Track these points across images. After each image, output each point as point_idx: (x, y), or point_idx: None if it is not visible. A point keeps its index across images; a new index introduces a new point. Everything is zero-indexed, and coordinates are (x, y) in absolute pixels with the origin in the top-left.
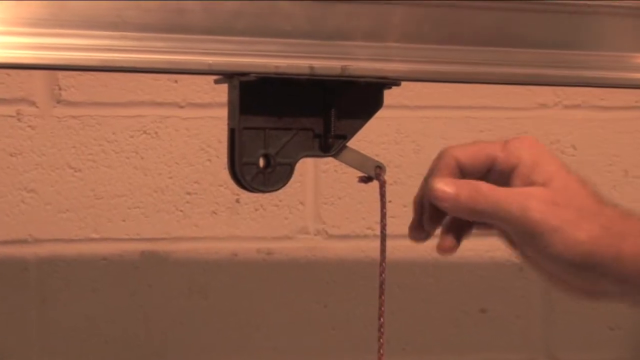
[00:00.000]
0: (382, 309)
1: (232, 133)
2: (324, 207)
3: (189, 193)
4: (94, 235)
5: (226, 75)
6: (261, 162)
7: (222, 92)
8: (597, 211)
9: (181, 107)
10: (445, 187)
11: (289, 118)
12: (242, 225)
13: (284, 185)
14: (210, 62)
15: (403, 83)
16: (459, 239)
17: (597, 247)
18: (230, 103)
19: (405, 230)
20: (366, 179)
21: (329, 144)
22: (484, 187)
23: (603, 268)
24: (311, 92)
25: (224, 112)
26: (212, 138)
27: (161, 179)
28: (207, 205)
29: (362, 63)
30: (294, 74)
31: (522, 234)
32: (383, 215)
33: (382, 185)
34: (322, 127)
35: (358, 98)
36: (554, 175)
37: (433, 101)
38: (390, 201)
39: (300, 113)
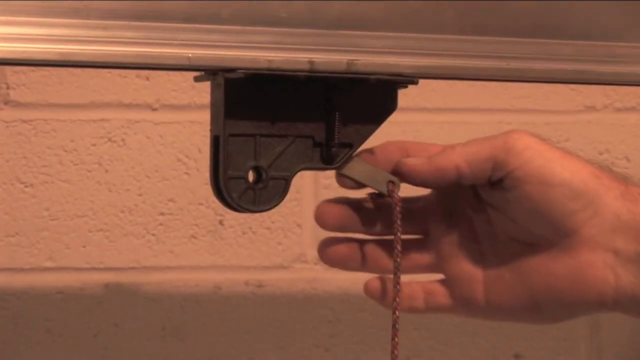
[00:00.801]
0: (395, 352)
1: (215, 141)
2: (325, 231)
3: (162, 213)
4: (49, 264)
5: (208, 72)
6: (250, 176)
7: (203, 92)
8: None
9: (154, 109)
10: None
11: (284, 123)
12: (227, 252)
13: (277, 203)
14: (190, 55)
15: (421, 81)
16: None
17: (591, 181)
18: (213, 105)
19: None
20: (377, 197)
21: (332, 154)
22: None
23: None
24: (311, 92)
25: (205, 116)
26: (191, 147)
27: (129, 196)
28: (185, 228)
29: (372, 57)
30: (291, 70)
31: (500, 164)
32: (397, 240)
33: (396, 204)
34: (324, 134)
35: (367, 99)
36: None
37: (458, 103)
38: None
39: (297, 117)
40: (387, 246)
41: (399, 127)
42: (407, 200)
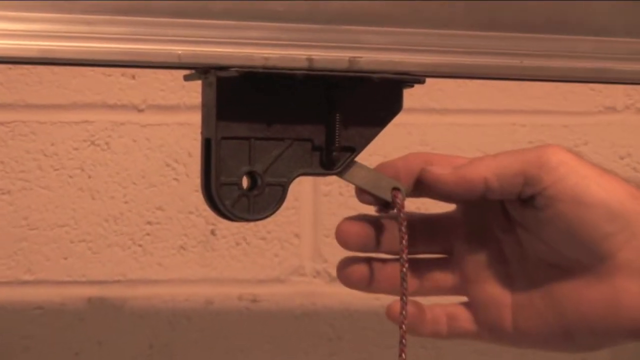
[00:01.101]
0: None
1: (207, 144)
2: (325, 241)
3: (150, 223)
4: (27, 277)
5: (200, 70)
6: (245, 182)
7: (193, 92)
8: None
9: (140, 110)
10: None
11: (281, 125)
12: (219, 265)
13: (274, 211)
14: (179, 52)
15: (429, 80)
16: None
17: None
18: (204, 106)
19: None
20: (383, 207)
21: (333, 158)
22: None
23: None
24: (310, 92)
25: (196, 118)
26: (181, 151)
27: (114, 204)
28: (174, 238)
29: (375, 54)
30: (288, 69)
31: (532, 180)
32: (402, 250)
33: (400, 212)
34: (324, 137)
35: (370, 99)
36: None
37: (468, 104)
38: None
39: (295, 119)
40: (412, 265)
41: (405, 129)
42: (430, 217)
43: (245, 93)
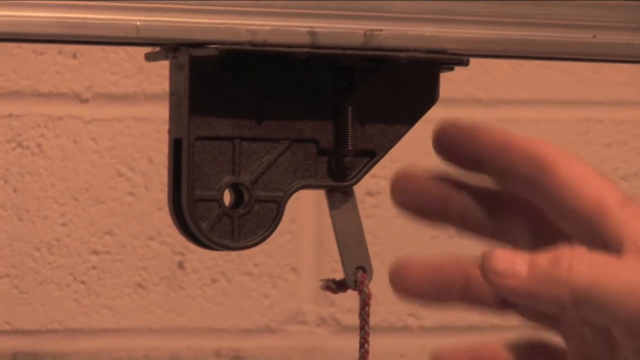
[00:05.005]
0: None
1: (176, 147)
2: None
3: (96, 252)
4: None
5: (166, 47)
6: (227, 198)
7: (156, 76)
8: None
9: (84, 100)
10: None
11: (275, 121)
12: (190, 309)
13: (265, 237)
14: (138, 23)
15: (473, 61)
16: None
17: None
18: (173, 95)
19: (474, 320)
20: (338, 285)
21: (345, 165)
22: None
23: None
24: (314, 77)
25: (160, 111)
26: (138, 155)
27: (48, 228)
28: (129, 273)
29: (400, 25)
30: (284, 45)
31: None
32: (363, 340)
33: (365, 303)
34: (333, 137)
35: (395, 87)
36: None
37: (526, 92)
38: None
39: (295, 113)
40: None
41: None
42: None
43: (227, 79)
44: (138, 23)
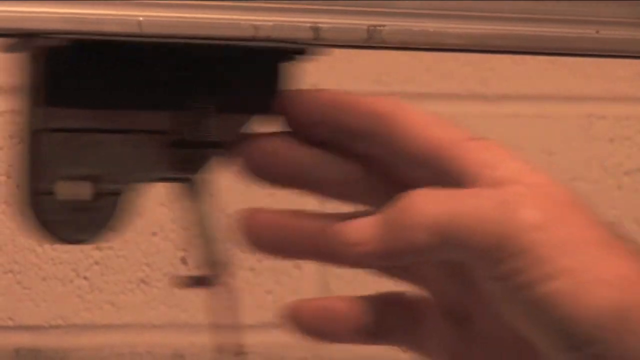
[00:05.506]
0: None
1: (25, 138)
2: (335, 273)
3: (99, 247)
4: None
5: (20, 37)
6: (72, 191)
7: None
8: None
9: None
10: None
11: (126, 113)
12: (193, 305)
13: (111, 230)
14: None
15: (477, 58)
16: None
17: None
18: (24, 86)
19: None
20: (195, 280)
21: (189, 156)
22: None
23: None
24: (162, 69)
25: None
26: None
27: None
28: (132, 268)
29: (403, 22)
30: (121, 35)
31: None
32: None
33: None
34: (180, 129)
35: (240, 78)
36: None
37: (529, 88)
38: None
39: (144, 104)
40: None
41: None
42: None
43: (80, 70)
44: None
